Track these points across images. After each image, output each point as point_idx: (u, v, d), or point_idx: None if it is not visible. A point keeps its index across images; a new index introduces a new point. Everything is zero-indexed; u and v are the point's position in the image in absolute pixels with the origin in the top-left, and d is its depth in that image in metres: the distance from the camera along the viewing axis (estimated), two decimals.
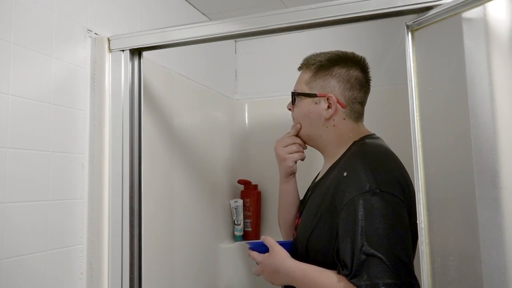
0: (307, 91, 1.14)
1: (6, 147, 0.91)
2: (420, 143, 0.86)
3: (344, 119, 1.12)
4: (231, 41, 1.99)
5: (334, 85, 1.12)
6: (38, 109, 0.99)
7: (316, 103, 1.12)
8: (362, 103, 1.16)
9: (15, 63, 0.94)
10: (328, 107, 1.11)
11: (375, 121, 1.65)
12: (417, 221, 0.83)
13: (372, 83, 1.86)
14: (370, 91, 1.79)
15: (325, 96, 1.11)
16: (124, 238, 1.09)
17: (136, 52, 1.16)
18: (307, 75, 1.15)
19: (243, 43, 2.01)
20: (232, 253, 1.76)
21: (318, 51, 1.19)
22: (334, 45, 1.86)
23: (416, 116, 0.86)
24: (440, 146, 0.85)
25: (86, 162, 1.11)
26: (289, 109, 1.20)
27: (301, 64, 1.19)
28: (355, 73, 1.13)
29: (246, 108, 1.97)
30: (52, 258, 1.01)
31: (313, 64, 1.15)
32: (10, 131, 0.92)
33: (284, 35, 1.86)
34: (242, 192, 1.85)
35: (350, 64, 1.14)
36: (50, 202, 1.01)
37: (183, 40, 1.09)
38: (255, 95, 1.96)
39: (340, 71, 1.13)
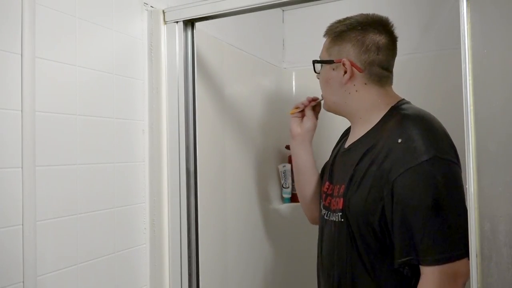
0: (326, 58, 1.10)
1: (76, 114, 0.95)
2: (472, 107, 0.80)
3: (365, 84, 1.06)
4: (279, 11, 1.94)
5: (349, 49, 1.06)
6: (102, 78, 1.03)
7: (333, 69, 1.08)
8: (384, 67, 1.07)
9: (81, 36, 0.97)
10: (345, 72, 1.05)
11: (424, 87, 1.58)
12: (466, 185, 0.79)
13: (420, 49, 1.76)
14: (418, 57, 1.69)
15: (340, 61, 1.05)
16: (182, 197, 1.13)
17: (189, 23, 1.16)
18: (327, 42, 1.11)
19: (290, 12, 1.95)
20: (281, 214, 1.78)
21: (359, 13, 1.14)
22: (380, 11, 1.76)
23: (469, 80, 0.80)
24: (493, 110, 0.79)
25: (146, 128, 1.15)
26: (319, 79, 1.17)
27: (325, 31, 1.14)
28: (370, 35, 1.05)
29: (293, 77, 1.93)
30: (118, 214, 1.06)
31: (333, 31, 1.10)
32: (78, 99, 0.96)
33: (330, 3, 1.78)
34: (289, 157, 1.85)
35: (366, 27, 1.06)
36: (115, 164, 1.06)
37: (233, 10, 1.07)
38: (302, 63, 1.91)
39: (354, 35, 1.06)
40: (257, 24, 1.75)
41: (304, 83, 1.91)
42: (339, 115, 1.16)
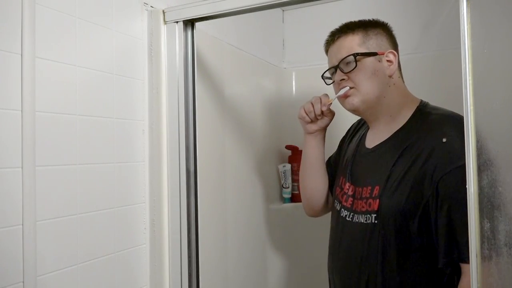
0: (364, 51, 1.06)
1: (76, 114, 0.95)
2: (472, 107, 0.80)
3: (399, 77, 1.09)
4: (279, 11, 1.94)
5: (386, 42, 1.09)
6: (102, 78, 1.02)
7: (379, 61, 1.06)
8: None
9: (81, 36, 0.97)
10: (389, 64, 1.06)
11: (424, 87, 1.58)
12: (467, 186, 0.79)
13: (420, 49, 1.77)
14: (419, 57, 1.70)
15: (383, 54, 1.06)
16: (182, 197, 1.12)
17: (189, 23, 1.16)
18: (357, 37, 1.08)
19: (290, 12, 1.95)
20: (281, 214, 1.78)
21: (364, 18, 1.13)
22: (381, 11, 1.76)
23: (469, 80, 0.80)
24: (493, 110, 0.79)
25: (146, 128, 1.14)
26: (343, 79, 1.08)
27: (340, 32, 1.11)
28: (390, 33, 1.11)
29: (293, 77, 1.93)
30: (119, 214, 1.06)
31: (357, 27, 1.09)
32: (78, 99, 0.96)
33: (330, 3, 1.78)
34: (289, 157, 1.85)
35: (380, 26, 1.11)
36: (115, 164, 1.05)
37: (233, 10, 1.07)
38: (302, 63, 1.91)
39: (382, 30, 1.09)
40: (257, 24, 1.75)
41: (304, 83, 1.91)
42: (365, 114, 1.11)
